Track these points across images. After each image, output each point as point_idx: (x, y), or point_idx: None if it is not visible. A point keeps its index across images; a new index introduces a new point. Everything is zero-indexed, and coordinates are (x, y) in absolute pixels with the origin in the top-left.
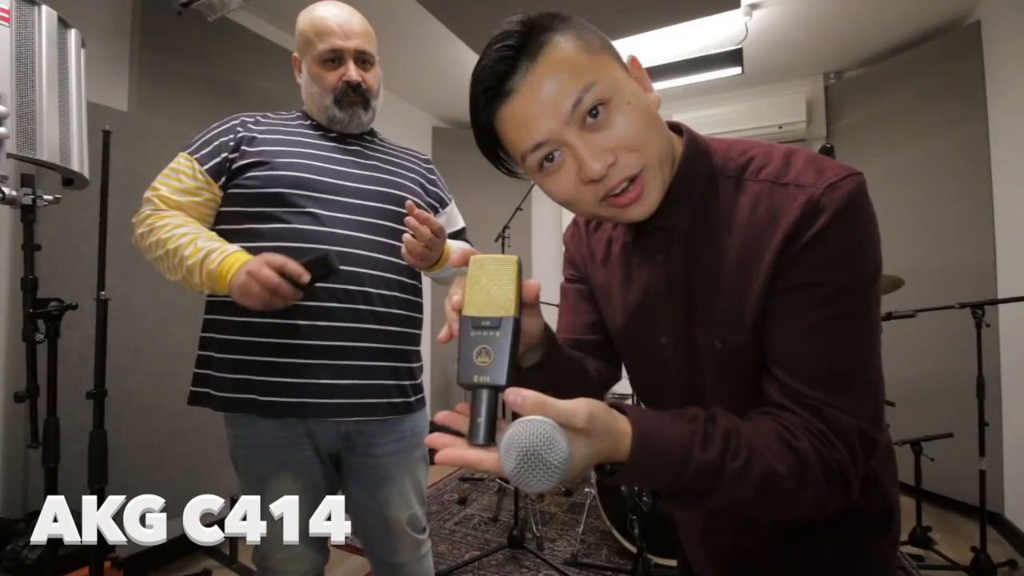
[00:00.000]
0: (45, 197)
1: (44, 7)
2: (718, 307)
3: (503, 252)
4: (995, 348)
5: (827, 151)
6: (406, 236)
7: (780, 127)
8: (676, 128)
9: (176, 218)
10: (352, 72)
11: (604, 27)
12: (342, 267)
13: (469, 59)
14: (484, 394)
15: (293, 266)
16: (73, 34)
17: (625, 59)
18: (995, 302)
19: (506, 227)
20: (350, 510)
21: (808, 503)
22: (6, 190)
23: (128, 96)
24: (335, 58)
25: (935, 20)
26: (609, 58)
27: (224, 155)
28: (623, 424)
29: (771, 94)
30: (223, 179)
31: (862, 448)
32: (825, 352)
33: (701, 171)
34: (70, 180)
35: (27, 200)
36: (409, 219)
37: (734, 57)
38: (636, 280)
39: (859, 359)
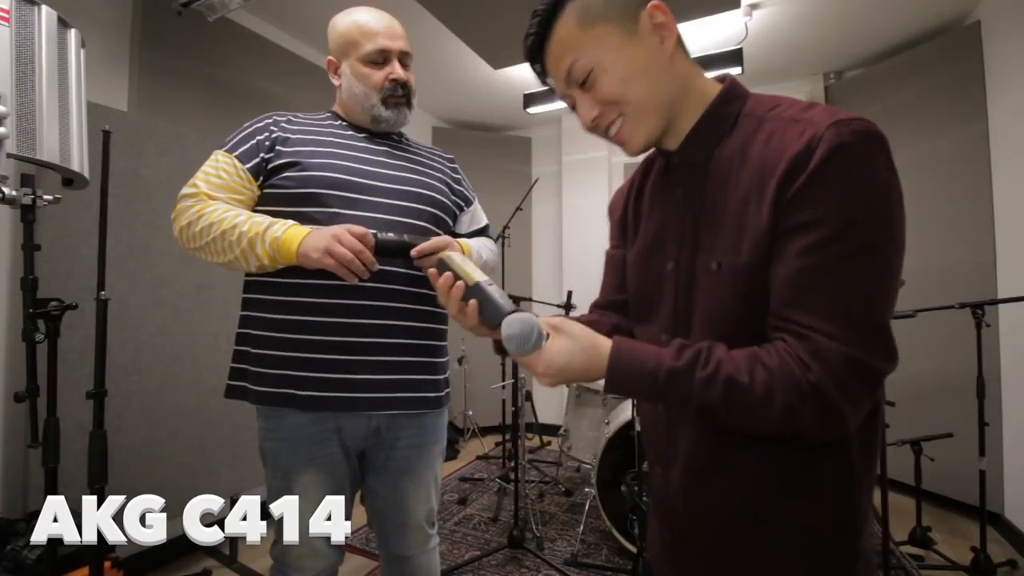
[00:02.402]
0: (45, 197)
1: (44, 7)
2: (721, 232)
3: (503, 251)
4: (995, 348)
5: None
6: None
7: None
8: (725, 78)
9: (223, 204)
10: (399, 70)
11: None
12: (379, 266)
13: (469, 59)
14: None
15: (371, 240)
16: (73, 34)
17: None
18: (995, 302)
19: (506, 227)
20: (368, 501)
21: (779, 417)
22: (6, 190)
23: (128, 96)
24: (382, 59)
25: (935, 20)
26: (604, 28)
27: (261, 155)
28: (604, 341)
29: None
30: (261, 178)
31: (850, 371)
32: (823, 285)
33: (730, 112)
34: (70, 180)
35: (27, 200)
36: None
37: (734, 57)
38: (657, 213)
39: (858, 294)
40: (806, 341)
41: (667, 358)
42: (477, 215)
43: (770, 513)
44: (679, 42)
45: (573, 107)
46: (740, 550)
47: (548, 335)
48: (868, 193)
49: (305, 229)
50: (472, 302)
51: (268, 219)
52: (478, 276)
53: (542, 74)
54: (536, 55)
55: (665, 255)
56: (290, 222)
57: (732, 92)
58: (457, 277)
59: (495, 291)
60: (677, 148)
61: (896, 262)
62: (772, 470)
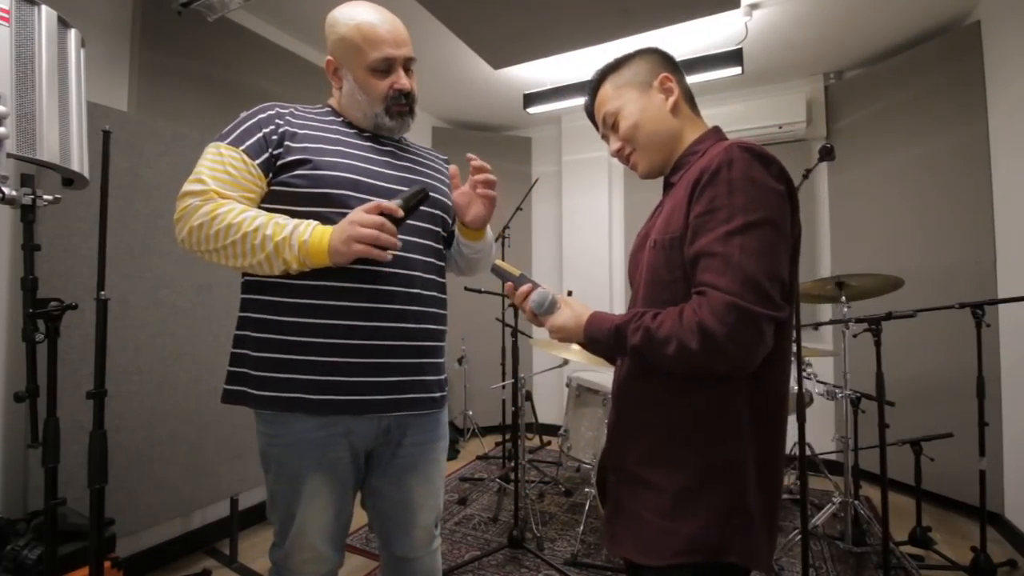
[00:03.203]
0: (45, 197)
1: (44, 7)
2: (663, 224)
3: (503, 251)
4: (995, 348)
5: (827, 151)
6: (480, 173)
7: (780, 127)
8: (717, 128)
9: (239, 204)
10: (404, 80)
11: (604, 27)
12: (391, 269)
13: (469, 59)
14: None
15: (387, 204)
16: (73, 34)
17: (659, 78)
18: (995, 302)
19: (506, 227)
20: (371, 502)
21: (676, 352)
22: (6, 190)
23: (128, 96)
24: (387, 66)
25: (935, 20)
26: (627, 89)
27: (270, 150)
28: (589, 312)
29: (771, 94)
30: (270, 175)
31: (731, 313)
32: (717, 253)
33: (700, 148)
34: (70, 180)
35: (27, 200)
36: (476, 164)
37: (734, 57)
38: (649, 221)
39: (742, 259)
40: (704, 296)
41: (617, 319)
42: None
43: (654, 444)
44: (686, 100)
45: (608, 142)
46: (626, 458)
47: (560, 305)
48: (747, 189)
49: (327, 228)
50: (524, 288)
51: (290, 220)
52: (516, 270)
53: (594, 122)
54: (590, 109)
55: (640, 247)
56: (312, 222)
57: (705, 135)
58: (505, 275)
59: (527, 276)
60: (668, 173)
61: (777, 241)
62: (660, 402)
